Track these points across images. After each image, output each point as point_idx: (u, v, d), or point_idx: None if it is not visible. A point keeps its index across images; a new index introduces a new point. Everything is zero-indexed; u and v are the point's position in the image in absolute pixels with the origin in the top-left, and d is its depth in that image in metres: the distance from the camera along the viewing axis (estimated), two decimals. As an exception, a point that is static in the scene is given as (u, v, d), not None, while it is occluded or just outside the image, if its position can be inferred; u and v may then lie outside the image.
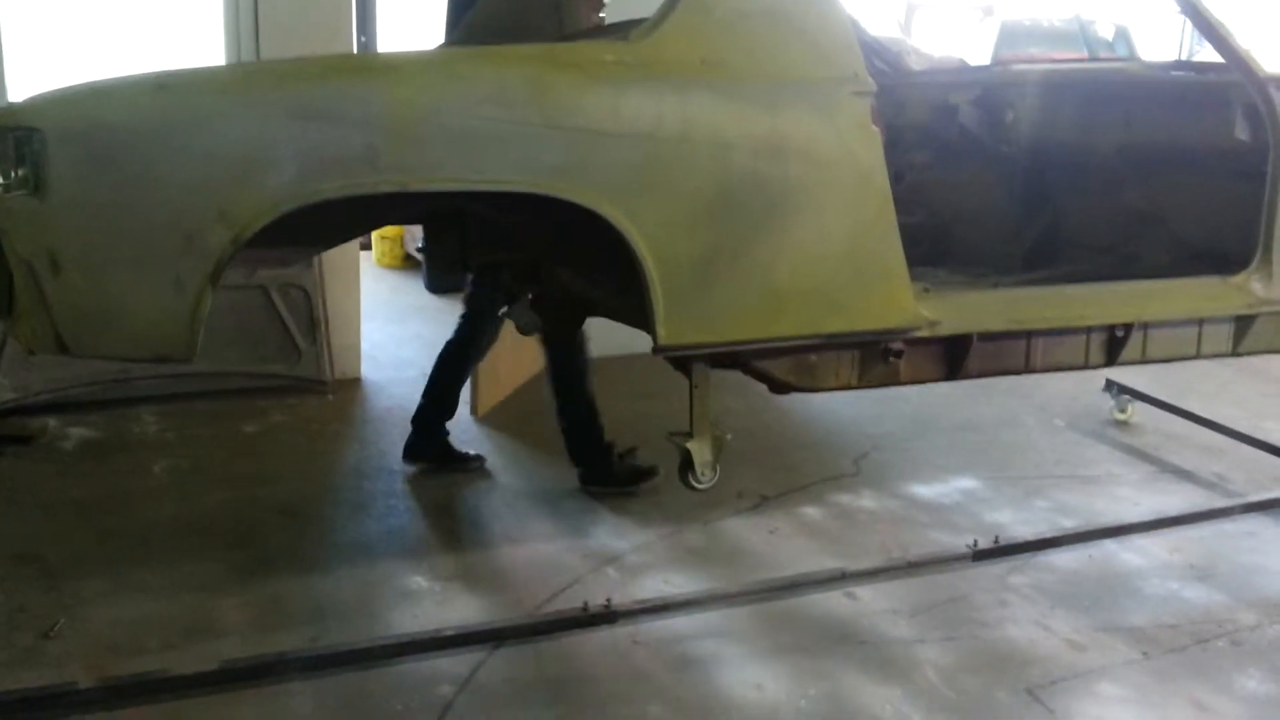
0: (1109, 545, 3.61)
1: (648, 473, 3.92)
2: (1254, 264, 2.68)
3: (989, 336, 2.44)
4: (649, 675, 2.79)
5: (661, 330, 2.24)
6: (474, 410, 4.64)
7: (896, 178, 3.79)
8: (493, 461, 4.18)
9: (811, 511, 3.85)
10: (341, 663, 2.56)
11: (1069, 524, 3.79)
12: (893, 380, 2.40)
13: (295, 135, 1.94)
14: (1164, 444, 4.64)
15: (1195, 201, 2.98)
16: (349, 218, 2.40)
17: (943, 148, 3.86)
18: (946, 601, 3.23)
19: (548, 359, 3.86)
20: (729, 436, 2.55)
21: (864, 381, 2.39)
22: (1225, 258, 2.75)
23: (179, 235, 1.85)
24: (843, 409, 4.92)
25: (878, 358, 2.36)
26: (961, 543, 3.50)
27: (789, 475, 4.16)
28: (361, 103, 2.01)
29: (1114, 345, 2.59)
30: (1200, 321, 2.68)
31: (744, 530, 3.68)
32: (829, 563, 3.41)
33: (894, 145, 3.84)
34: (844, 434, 4.66)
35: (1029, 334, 2.50)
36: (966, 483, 4.17)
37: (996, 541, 3.30)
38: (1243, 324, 2.74)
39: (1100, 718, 2.68)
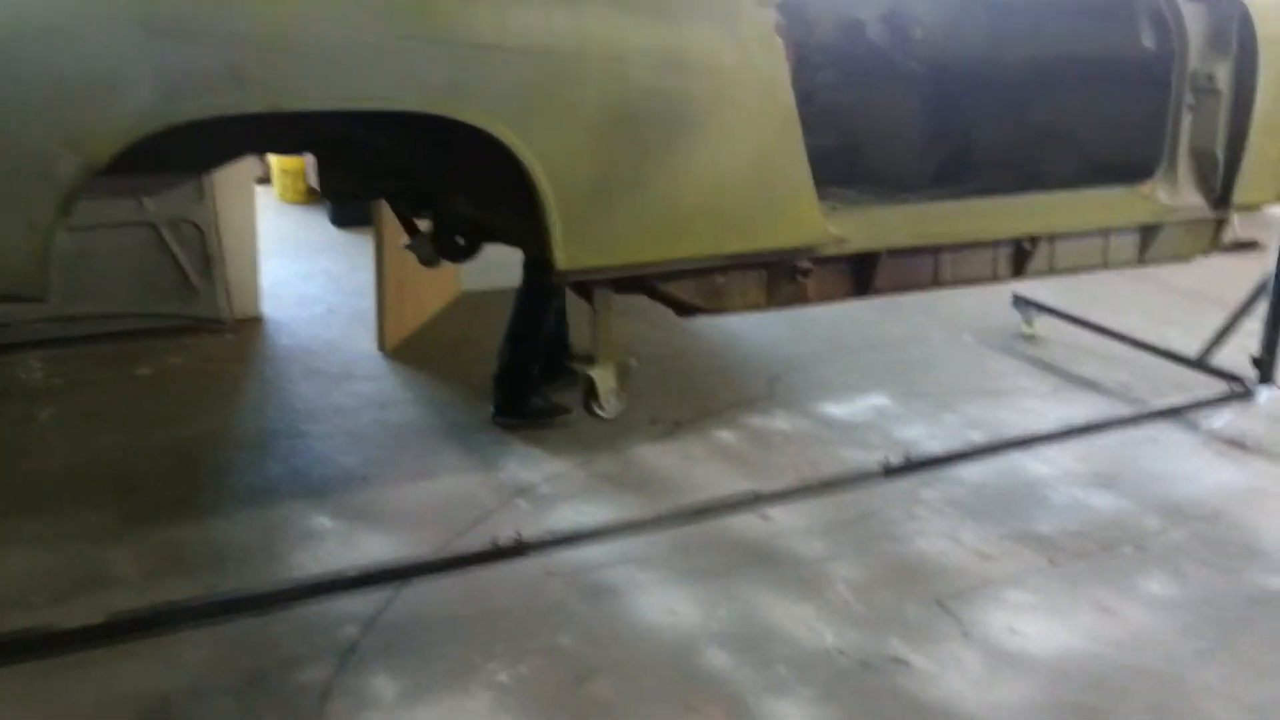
0: (1017, 456, 3.65)
1: (561, 409, 3.86)
2: (1159, 172, 2.68)
3: (897, 253, 2.40)
4: (561, 606, 2.75)
5: (560, 254, 2.15)
6: (381, 345, 4.51)
7: (806, 99, 3.73)
8: (400, 396, 4.08)
9: (725, 435, 3.83)
10: (239, 609, 2.47)
11: (978, 437, 3.82)
12: (801, 300, 2.35)
13: (151, 52, 1.79)
14: (1070, 356, 4.71)
15: (1103, 113, 2.97)
16: (222, 141, 2.26)
17: (852, 67, 3.79)
18: (859, 518, 3.24)
19: (525, 282, 3.75)
20: (634, 362, 2.48)
21: (772, 302, 2.33)
22: (1132, 169, 2.74)
23: (23, 163, 1.70)
24: (756, 332, 4.89)
25: (785, 277, 2.30)
26: (873, 460, 3.49)
27: (702, 400, 4.12)
28: (224, 15, 1.86)
29: (1021, 258, 2.57)
30: (1107, 232, 2.67)
31: (657, 456, 3.64)
32: (743, 486, 3.38)
33: (803, 65, 3.78)
34: (757, 357, 4.64)
35: (936, 249, 2.46)
36: (877, 400, 4.18)
37: (907, 458, 3.30)
38: (1148, 233, 2.74)
39: (1008, 625, 2.72)
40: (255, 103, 1.87)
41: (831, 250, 2.27)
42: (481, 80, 2.07)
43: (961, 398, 4.21)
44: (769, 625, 2.69)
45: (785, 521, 3.21)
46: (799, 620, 2.71)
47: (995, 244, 2.52)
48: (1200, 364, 4.15)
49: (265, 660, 2.48)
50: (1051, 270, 2.63)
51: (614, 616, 2.71)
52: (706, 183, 2.22)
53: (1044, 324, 4.93)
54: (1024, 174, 3.26)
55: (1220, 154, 2.64)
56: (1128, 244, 2.71)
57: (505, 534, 2.85)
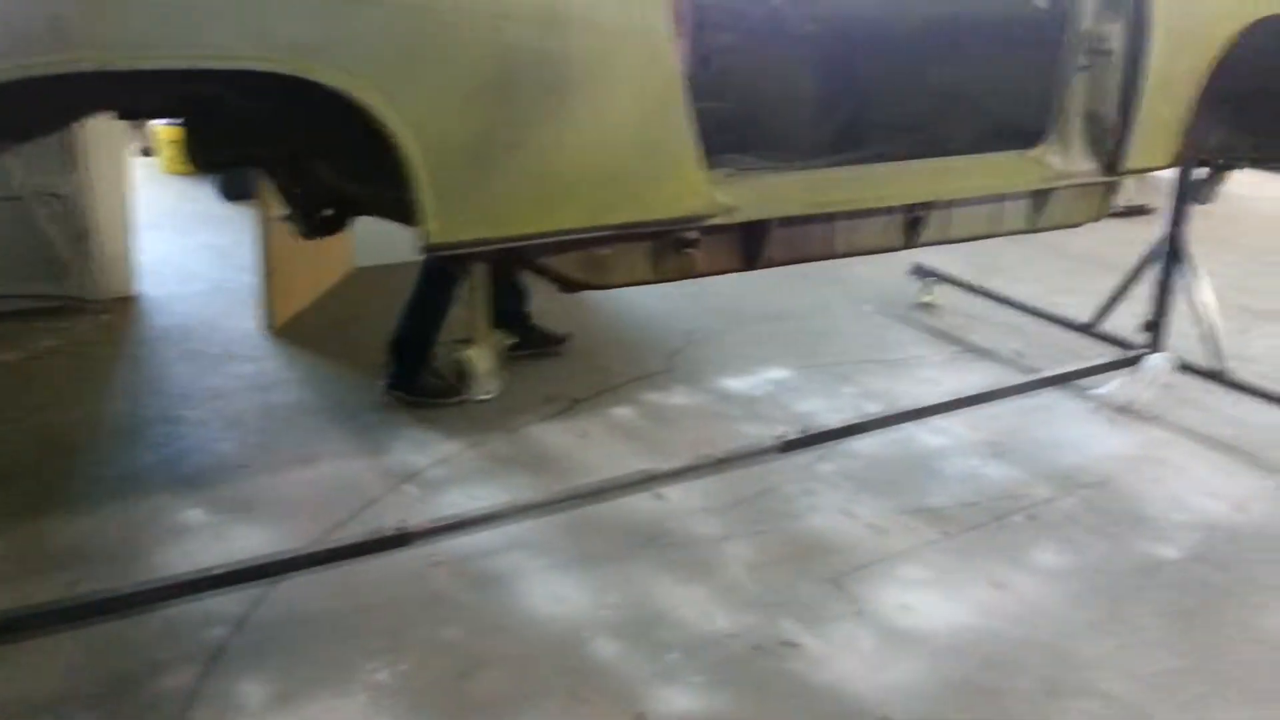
0: (911, 428, 3.64)
1: (453, 390, 3.74)
2: (1050, 137, 2.65)
3: (789, 222, 2.33)
4: (446, 597, 2.65)
5: (431, 226, 2.02)
6: (267, 324, 4.33)
7: (703, 62, 3.65)
8: (285, 377, 3.92)
9: (623, 412, 3.75)
10: (100, 611, 2.32)
11: (874, 409, 3.81)
12: (690, 272, 2.27)
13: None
14: (966, 324, 4.73)
15: (998, 76, 2.93)
16: (59, 102, 2.07)
17: (750, 29, 3.70)
18: (755, 495, 3.20)
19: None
20: (509, 343, 2.39)
21: (659, 275, 2.24)
22: (1029, 133, 2.71)
23: None
24: (656, 305, 4.82)
25: (671, 249, 2.21)
26: (771, 435, 3.45)
27: (600, 376, 4.04)
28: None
29: (914, 226, 2.52)
30: (1000, 198, 2.65)
31: (553, 436, 3.55)
32: (639, 464, 3.31)
33: (701, 27, 3.68)
34: (657, 330, 4.57)
35: (830, 217, 2.40)
36: (777, 373, 4.14)
37: (804, 432, 3.26)
38: (1040, 199, 2.71)
39: (901, 601, 2.69)
40: (85, 61, 1.70)
41: (720, 220, 2.19)
42: (341, 37, 1.91)
43: (860, 369, 4.20)
44: (661, 610, 2.62)
45: (681, 501, 3.15)
46: (692, 604, 2.66)
47: (889, 211, 2.47)
48: (1091, 331, 4.20)
49: (128, 666, 2.34)
50: (945, 238, 2.60)
51: (501, 607, 2.62)
52: (588, 149, 2.09)
53: (941, 292, 4.94)
54: (922, 139, 3.22)
55: (1112, 117, 2.63)
56: (1020, 210, 2.69)
57: (389, 522, 2.73)
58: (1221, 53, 2.69)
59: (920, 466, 3.42)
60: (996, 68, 2.92)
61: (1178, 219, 3.80)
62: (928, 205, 2.50)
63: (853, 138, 3.43)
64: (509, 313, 3.89)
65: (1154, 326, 3.94)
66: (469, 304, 2.30)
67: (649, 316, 4.72)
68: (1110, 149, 2.65)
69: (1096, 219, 2.85)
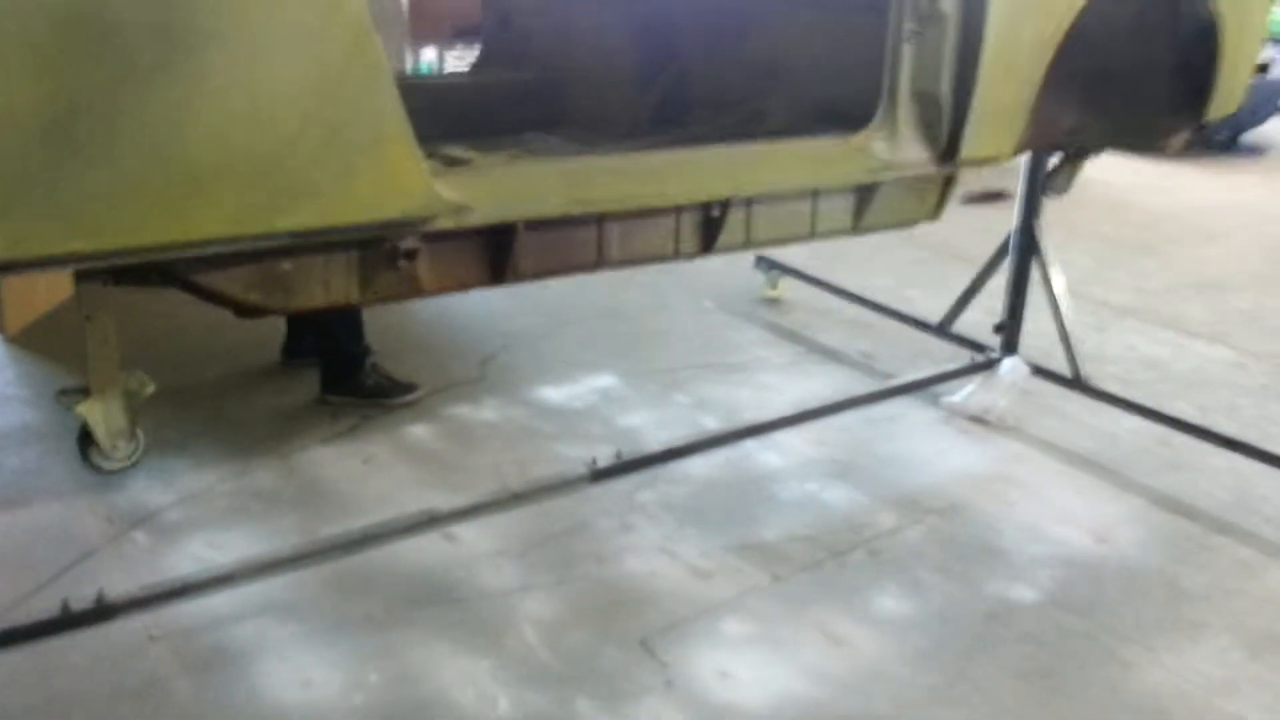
0: (748, 444, 3.25)
1: (404, 387, 3.37)
2: (876, 119, 2.24)
3: (543, 225, 1.86)
4: (159, 683, 2.12)
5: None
6: (1, 330, 3.67)
7: (502, 23, 3.16)
8: (12, 393, 3.29)
9: (420, 431, 3.25)
10: None
11: (709, 420, 3.41)
12: (411, 290, 1.77)
13: None
14: (813, 321, 4.37)
15: (822, 46, 2.52)
16: None
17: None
18: (563, 533, 2.75)
19: None
20: (150, 389, 1.85)
21: (368, 294, 1.74)
22: (858, 114, 2.30)
23: None
24: (474, 302, 4.31)
25: (383, 261, 1.72)
26: (590, 455, 2.99)
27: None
28: None
29: (711, 228, 2.08)
30: (815, 194, 2.23)
31: (332, 461, 3.03)
32: (430, 495, 2.84)
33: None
34: (473, 331, 4.07)
35: (600, 219, 1.94)
36: (603, 380, 3.69)
37: (618, 458, 2.82)
38: (865, 195, 2.31)
39: (720, 667, 2.28)
40: None
41: (448, 223, 1.69)
42: None
43: (696, 374, 3.78)
44: (430, 693, 2.15)
45: (475, 542, 2.67)
46: (469, 681, 2.19)
47: (678, 210, 2.02)
48: (943, 331, 3.87)
49: None
50: (749, 242, 2.17)
51: (227, 696, 2.11)
52: (234, 129, 1.52)
53: (788, 285, 4.57)
54: (743, 116, 2.80)
55: (946, 97, 2.23)
56: (840, 208, 2.27)
57: (101, 585, 2.18)
58: (1071, 22, 2.32)
59: (754, 491, 3.02)
60: (821, 36, 2.51)
61: (1030, 211, 3.48)
62: (725, 202, 2.05)
63: (674, 114, 3.00)
64: (345, 354, 3.35)
65: (1007, 328, 3.63)
66: (90, 341, 1.78)
67: (465, 315, 4.21)
68: (946, 135, 2.26)
69: (933, 218, 2.46)
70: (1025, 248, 3.53)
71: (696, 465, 3.11)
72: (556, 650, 2.30)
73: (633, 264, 2.07)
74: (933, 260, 5.14)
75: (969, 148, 2.26)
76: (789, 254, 4.57)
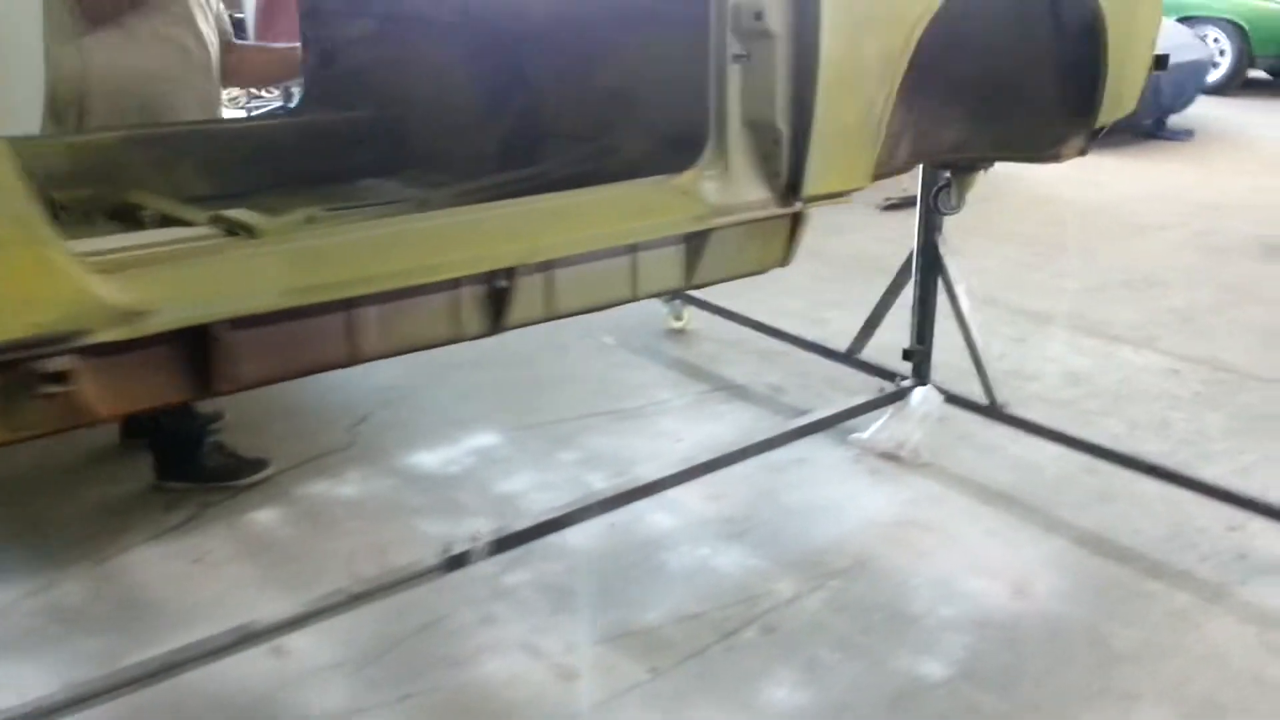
0: (639, 504, 2.92)
1: (252, 464, 3.06)
2: (704, 156, 1.93)
3: (263, 319, 1.52)
4: None
5: None
6: None
7: (325, 59, 2.82)
8: None
9: (265, 517, 2.90)
10: None
11: (597, 479, 3.09)
12: (77, 418, 1.41)
13: None
14: (720, 354, 4.06)
15: (668, 71, 2.21)
16: None
17: (389, 16, 2.89)
18: (414, 633, 2.42)
19: None
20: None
21: (14, 430, 1.38)
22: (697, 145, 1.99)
23: None
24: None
25: (24, 389, 1.35)
26: (459, 531, 2.69)
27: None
28: None
29: (500, 301, 1.75)
30: (634, 249, 1.91)
31: (157, 564, 2.68)
32: (270, 597, 2.52)
33: (316, 14, 2.86)
34: (344, 390, 3.71)
35: (349, 303, 1.61)
36: (484, 439, 3.36)
37: (475, 541, 2.48)
38: (695, 244, 1.99)
39: (580, 798, 1.96)
40: None
41: (116, 334, 1.33)
42: None
43: (586, 425, 3.46)
44: None
45: (308, 655, 2.33)
46: (276, 842, 1.85)
47: (456, 284, 1.69)
48: (852, 359, 3.57)
49: None
50: (552, 312, 1.84)
51: None
52: None
53: (694, 314, 4.26)
54: (598, 151, 2.49)
55: (783, 127, 1.92)
56: (667, 262, 1.95)
57: None
58: (921, 29, 2.02)
59: (639, 562, 2.71)
60: (666, 61, 2.19)
61: (930, 227, 3.19)
62: (511, 271, 1.72)
63: (525, 149, 2.68)
64: (177, 434, 2.99)
65: (917, 354, 3.34)
66: None
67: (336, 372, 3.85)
68: (786, 170, 1.95)
69: (782, 263, 2.15)
70: (929, 266, 3.23)
71: (577, 535, 2.78)
72: (387, 791, 1.97)
73: (400, 352, 1.74)
74: (848, 275, 4.83)
75: (814, 182, 1.96)
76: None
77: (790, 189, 1.96)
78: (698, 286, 2.05)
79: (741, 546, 2.77)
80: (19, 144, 2.20)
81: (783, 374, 3.85)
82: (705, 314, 4.18)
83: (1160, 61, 2.50)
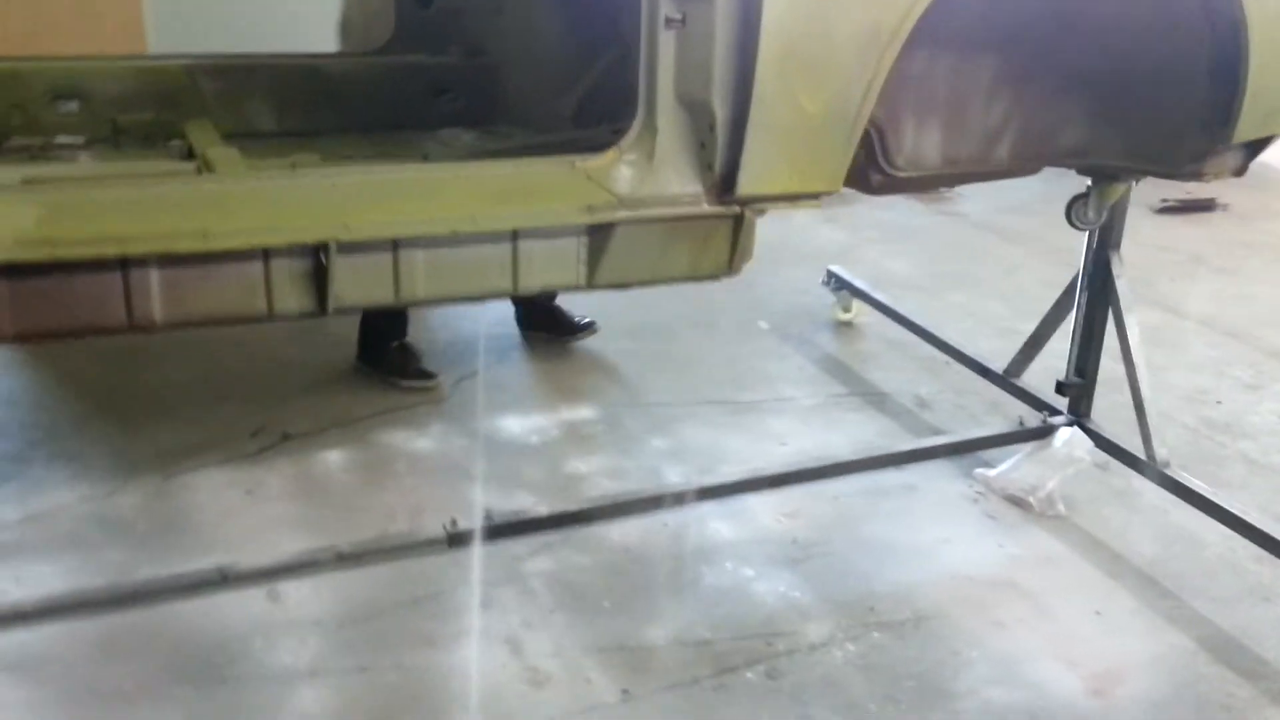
0: (705, 507, 2.68)
1: (423, 374, 3.30)
2: (629, 137, 1.63)
3: (20, 270, 1.38)
4: None
5: None
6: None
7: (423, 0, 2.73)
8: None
9: (333, 459, 2.90)
10: None
11: (675, 474, 2.87)
12: None
13: None
14: (877, 355, 3.69)
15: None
16: None
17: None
18: (407, 604, 2.32)
19: None
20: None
21: None
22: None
23: None
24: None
25: None
26: (508, 505, 2.58)
27: (359, 403, 3.18)
28: None
29: (322, 279, 1.55)
30: (514, 235, 1.65)
31: (213, 489, 2.73)
32: (294, 539, 2.50)
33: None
34: (468, 345, 3.66)
35: (125, 263, 1.46)
36: (581, 413, 3.21)
37: (488, 518, 2.35)
38: (600, 238, 1.69)
39: (476, 819, 1.79)
40: None
41: None
42: None
43: (694, 412, 3.22)
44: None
45: (299, 606, 2.29)
46: (162, 794, 1.81)
47: (265, 256, 1.51)
48: (1007, 382, 3.11)
49: None
50: (405, 297, 1.62)
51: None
52: None
53: (864, 309, 3.89)
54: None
55: (720, 108, 1.58)
56: (562, 255, 1.66)
57: None
58: (923, 6, 1.61)
59: (675, 571, 2.47)
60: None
61: (1105, 242, 2.69)
62: (323, 248, 1.51)
63: (600, 109, 2.47)
64: (376, 326, 3.34)
65: (1073, 388, 2.85)
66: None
67: (455, 325, 3.80)
68: (721, 161, 1.61)
69: (723, 272, 1.80)
70: (1099, 288, 2.73)
71: (625, 529, 2.59)
72: (293, 765, 1.88)
73: (198, 325, 1.59)
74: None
75: (753, 180, 1.61)
76: (902, 265, 3.92)
77: (723, 185, 1.64)
78: (605, 287, 1.76)
79: (792, 575, 2.47)
80: (85, 64, 2.27)
81: (939, 387, 3.43)
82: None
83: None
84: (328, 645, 2.18)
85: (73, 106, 2.27)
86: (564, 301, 3.65)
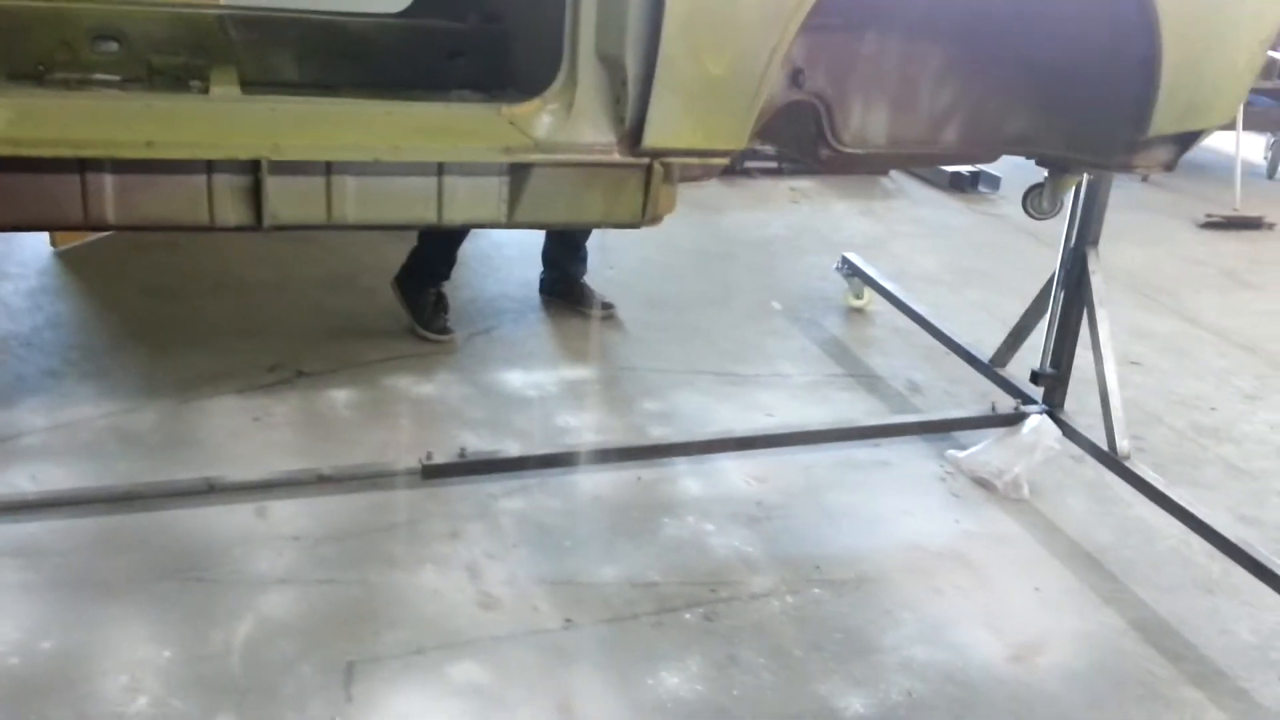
0: (680, 465, 2.82)
1: (443, 329, 3.47)
2: (552, 88, 1.76)
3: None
4: None
5: None
6: (53, 240, 3.89)
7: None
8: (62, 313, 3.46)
9: (340, 396, 3.09)
10: None
11: (660, 433, 3.00)
12: None
13: None
14: (880, 341, 3.78)
15: None
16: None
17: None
18: (382, 529, 2.49)
19: None
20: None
21: None
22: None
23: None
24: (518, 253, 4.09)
25: None
26: (493, 448, 2.76)
27: (372, 346, 3.38)
28: None
29: (258, 194, 1.71)
30: (440, 169, 1.79)
31: (225, 414, 2.94)
32: (292, 461, 2.69)
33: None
34: (491, 302, 3.84)
35: (83, 165, 1.64)
36: (581, 372, 3.36)
37: (462, 455, 2.51)
38: (518, 179, 1.83)
39: (408, 715, 1.95)
40: None
41: None
42: None
43: (689, 380, 3.36)
44: (81, 673, 1.98)
45: (283, 522, 2.48)
46: (132, 670, 2.00)
47: (209, 168, 1.67)
48: (991, 371, 3.19)
49: None
50: (336, 219, 1.77)
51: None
52: None
53: (876, 298, 3.98)
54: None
55: (632, 65, 1.71)
56: (483, 192, 1.80)
57: None
58: None
59: (636, 520, 2.61)
60: None
61: (1082, 237, 2.76)
62: (257, 165, 1.67)
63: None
64: (424, 262, 3.52)
65: (1047, 379, 2.92)
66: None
67: (491, 283, 3.99)
68: (631, 115, 1.74)
69: (639, 221, 1.92)
70: (1074, 282, 2.80)
71: (600, 480, 2.74)
72: (251, 658, 2.06)
73: (147, 228, 1.76)
74: (1110, 292, 4.26)
75: (658, 133, 1.74)
76: (925, 260, 3.99)
77: (634, 137, 1.77)
78: (523, 226, 1.90)
79: (749, 532, 2.59)
80: (126, 8, 2.47)
81: (934, 375, 3.52)
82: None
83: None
84: (302, 559, 2.36)
85: (113, 47, 2.48)
86: (591, 280, 3.81)
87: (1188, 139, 2.05)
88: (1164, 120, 1.96)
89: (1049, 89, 2.09)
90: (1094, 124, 2.08)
